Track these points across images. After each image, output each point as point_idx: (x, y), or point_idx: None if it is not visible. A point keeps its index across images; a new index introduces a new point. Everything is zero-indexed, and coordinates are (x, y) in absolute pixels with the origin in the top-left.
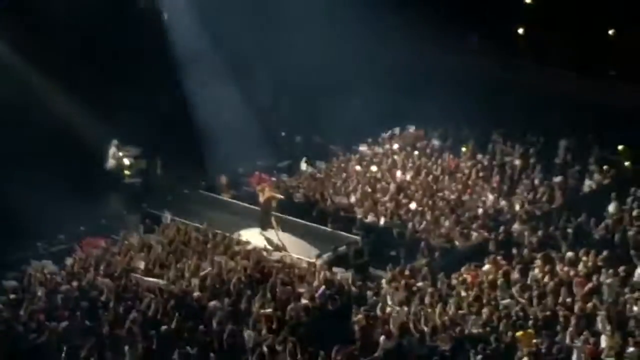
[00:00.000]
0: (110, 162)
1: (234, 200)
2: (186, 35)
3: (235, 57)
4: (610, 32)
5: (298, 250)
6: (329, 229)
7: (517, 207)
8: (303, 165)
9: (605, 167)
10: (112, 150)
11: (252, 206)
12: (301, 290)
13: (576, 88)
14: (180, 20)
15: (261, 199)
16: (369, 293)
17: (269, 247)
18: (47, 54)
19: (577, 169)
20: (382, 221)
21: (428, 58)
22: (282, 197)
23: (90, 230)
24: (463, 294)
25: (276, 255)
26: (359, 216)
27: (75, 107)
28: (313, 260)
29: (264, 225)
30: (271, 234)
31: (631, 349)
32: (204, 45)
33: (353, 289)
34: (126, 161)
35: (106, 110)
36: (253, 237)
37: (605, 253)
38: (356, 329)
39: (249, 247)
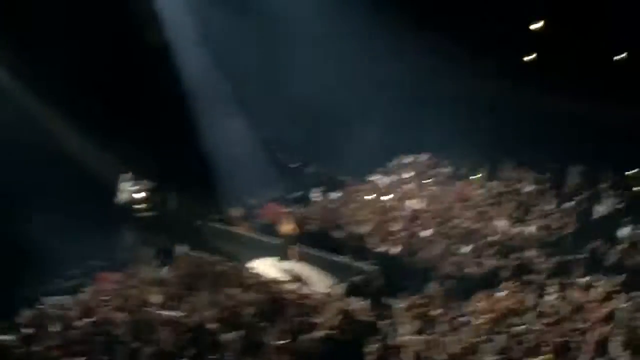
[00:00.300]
0: (122, 196)
1: (247, 233)
2: (195, 67)
3: (244, 87)
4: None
5: (313, 281)
6: (342, 259)
7: (530, 233)
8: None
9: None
10: (124, 183)
11: (264, 238)
12: (316, 320)
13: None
14: (189, 52)
15: (282, 229)
16: (383, 322)
17: (285, 278)
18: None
19: (589, 194)
20: (395, 250)
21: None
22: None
23: (104, 265)
24: (478, 321)
25: (292, 286)
26: (372, 246)
27: (86, 140)
28: (328, 290)
29: (285, 255)
30: (291, 264)
31: None
32: (213, 77)
33: (367, 318)
34: (138, 195)
35: (119, 143)
36: (268, 267)
37: (619, 278)
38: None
39: (263, 278)
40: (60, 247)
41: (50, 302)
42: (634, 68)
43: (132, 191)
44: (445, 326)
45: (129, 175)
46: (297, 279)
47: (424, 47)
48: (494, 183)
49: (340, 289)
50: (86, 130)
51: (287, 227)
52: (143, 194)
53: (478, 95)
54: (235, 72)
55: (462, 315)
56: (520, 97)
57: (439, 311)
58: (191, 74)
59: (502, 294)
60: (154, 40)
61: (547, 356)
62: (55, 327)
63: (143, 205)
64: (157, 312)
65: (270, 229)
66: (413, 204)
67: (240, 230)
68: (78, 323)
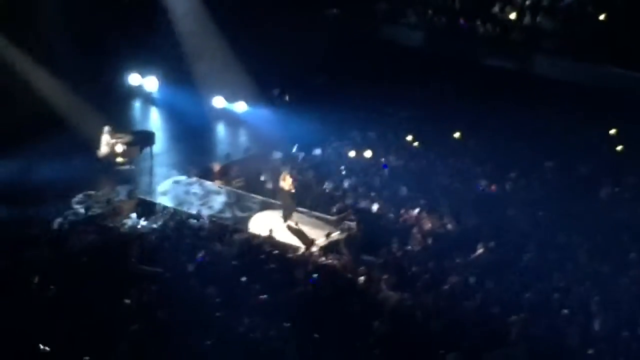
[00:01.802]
0: (103, 149)
1: (227, 187)
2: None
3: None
4: None
5: (296, 237)
6: (324, 216)
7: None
8: None
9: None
10: (105, 136)
11: (247, 193)
12: (296, 276)
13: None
14: None
15: (284, 187)
16: (361, 279)
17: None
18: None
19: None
20: (375, 207)
21: None
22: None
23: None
24: (455, 278)
25: (275, 240)
26: (352, 202)
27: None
28: (307, 246)
29: (286, 215)
30: (294, 225)
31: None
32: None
33: (347, 275)
34: (119, 148)
35: (100, 95)
36: (264, 223)
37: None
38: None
39: (246, 234)
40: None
41: None
42: None
43: (112, 144)
44: (423, 282)
45: (110, 128)
46: (307, 239)
47: None
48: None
49: (320, 244)
50: (64, 80)
51: (287, 184)
52: (122, 147)
53: None
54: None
55: (441, 272)
56: None
57: (418, 267)
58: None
59: (480, 251)
60: None
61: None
62: None
63: (121, 159)
64: (137, 265)
65: (252, 185)
66: (394, 161)
67: (218, 185)
68: None
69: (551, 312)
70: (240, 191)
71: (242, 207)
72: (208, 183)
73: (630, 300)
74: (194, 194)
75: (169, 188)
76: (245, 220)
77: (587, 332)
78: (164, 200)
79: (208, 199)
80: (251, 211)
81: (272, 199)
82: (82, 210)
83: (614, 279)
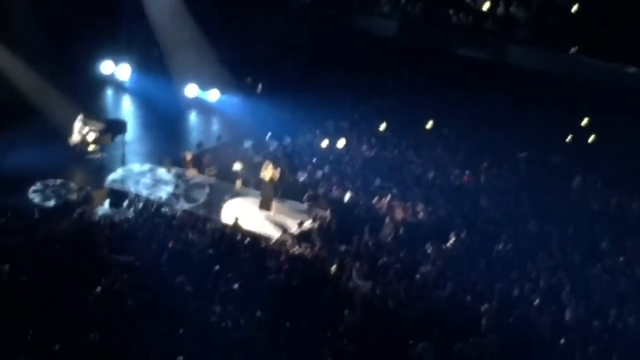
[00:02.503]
0: (75, 137)
1: (200, 176)
2: None
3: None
4: None
5: (269, 226)
6: (295, 204)
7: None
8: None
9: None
10: (77, 124)
11: (220, 180)
12: (268, 265)
13: None
14: None
15: (265, 177)
16: (333, 268)
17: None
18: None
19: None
20: (347, 196)
21: None
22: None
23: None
24: (427, 268)
25: (247, 229)
26: (325, 191)
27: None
28: (280, 235)
29: (264, 205)
30: (268, 214)
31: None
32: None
33: (318, 264)
34: (91, 136)
35: (72, 83)
36: (243, 213)
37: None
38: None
39: (219, 223)
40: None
41: None
42: None
43: (85, 132)
44: (395, 272)
45: (82, 116)
46: (281, 227)
47: None
48: (447, 130)
49: (295, 233)
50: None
51: (269, 174)
52: (94, 136)
53: None
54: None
55: (413, 262)
56: None
57: (390, 257)
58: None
59: (452, 240)
60: None
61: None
62: None
63: (95, 147)
64: (109, 254)
65: (224, 174)
66: (366, 151)
67: (191, 173)
68: None
69: (523, 301)
70: (213, 179)
71: (189, 197)
72: (160, 171)
73: (601, 290)
74: (143, 183)
75: (118, 177)
76: (213, 208)
77: (559, 321)
78: (118, 187)
79: (154, 189)
80: (196, 201)
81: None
82: (36, 200)
83: (586, 269)
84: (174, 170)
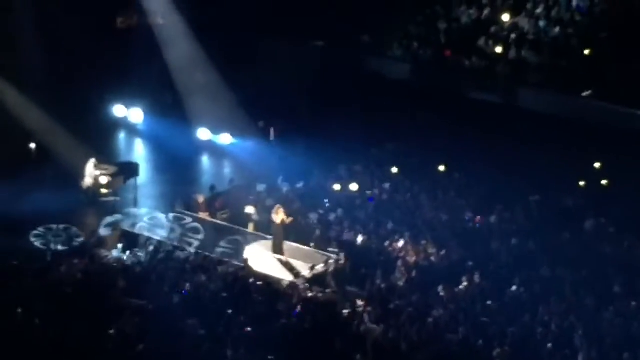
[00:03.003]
0: (87, 180)
1: (212, 219)
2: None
3: None
4: None
5: (281, 270)
6: (308, 248)
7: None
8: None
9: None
10: (89, 167)
11: (229, 225)
12: (280, 308)
13: None
14: None
15: (276, 220)
16: (345, 312)
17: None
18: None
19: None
20: (360, 239)
21: None
22: (292, 219)
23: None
24: (440, 311)
25: (260, 273)
26: (337, 235)
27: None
28: (292, 279)
29: (276, 249)
30: (281, 258)
31: None
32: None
33: (331, 307)
34: (103, 179)
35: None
36: (256, 256)
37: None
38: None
39: (231, 267)
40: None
41: None
42: None
43: (96, 175)
44: (407, 316)
45: (94, 160)
46: (294, 271)
47: None
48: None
49: (307, 277)
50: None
51: (280, 218)
52: (106, 179)
53: None
54: None
55: (425, 305)
56: None
57: (402, 301)
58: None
59: (465, 284)
60: None
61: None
62: None
63: (107, 190)
64: (121, 297)
65: (237, 217)
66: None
67: (203, 216)
68: None
69: (535, 346)
70: (225, 223)
71: (182, 241)
72: (160, 216)
73: (614, 334)
74: (140, 227)
75: (114, 221)
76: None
77: None
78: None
79: (150, 233)
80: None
81: (258, 231)
82: (38, 244)
83: (598, 313)
84: (172, 214)
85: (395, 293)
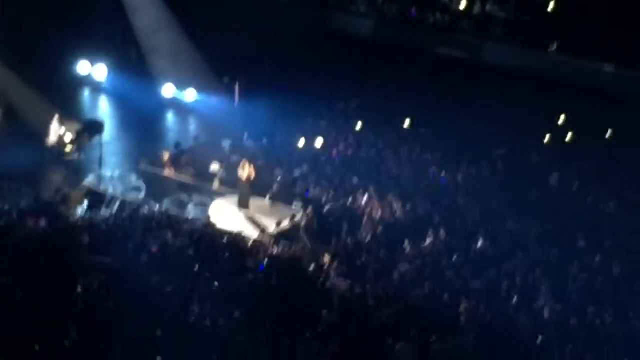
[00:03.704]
0: (52, 138)
1: (177, 176)
2: None
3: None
4: None
5: (247, 226)
6: (274, 204)
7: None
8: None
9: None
10: (54, 125)
11: (194, 182)
12: (247, 264)
13: None
14: None
15: (242, 176)
16: (312, 267)
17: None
18: None
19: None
20: (325, 195)
21: None
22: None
23: (31, 209)
24: (406, 267)
25: (226, 229)
26: (303, 190)
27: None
28: (258, 235)
29: (242, 204)
30: (247, 213)
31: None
32: None
33: (297, 263)
34: (68, 137)
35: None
36: (222, 213)
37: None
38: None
39: (198, 223)
40: None
41: None
42: None
43: (60, 133)
44: (373, 272)
45: (58, 117)
46: (260, 227)
47: None
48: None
49: (273, 233)
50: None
51: (246, 173)
52: (71, 136)
53: None
54: None
55: (391, 261)
56: None
57: (368, 256)
58: None
59: (430, 239)
60: None
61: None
62: None
63: (72, 147)
64: (86, 255)
65: (202, 174)
66: (344, 150)
67: (168, 174)
68: None
69: (501, 299)
70: (190, 180)
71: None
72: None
73: (579, 288)
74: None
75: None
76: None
77: (537, 320)
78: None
79: None
80: None
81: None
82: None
83: (563, 267)
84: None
85: (361, 249)
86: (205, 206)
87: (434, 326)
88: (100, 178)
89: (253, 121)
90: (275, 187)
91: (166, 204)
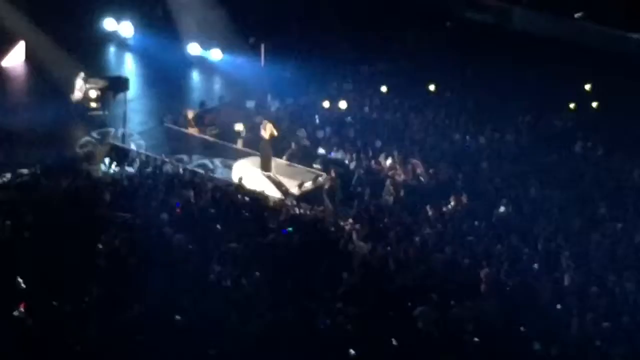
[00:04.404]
0: (76, 94)
1: (200, 135)
2: None
3: None
4: None
5: (270, 187)
6: (296, 166)
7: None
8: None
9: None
10: (79, 81)
11: (219, 141)
12: (269, 225)
13: None
14: None
15: (265, 136)
16: (333, 229)
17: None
18: None
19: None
20: (347, 157)
21: None
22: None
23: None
24: (427, 230)
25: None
26: (325, 153)
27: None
28: (280, 196)
29: (265, 166)
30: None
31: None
32: None
33: (319, 225)
34: (92, 93)
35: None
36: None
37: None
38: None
39: (221, 182)
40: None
41: None
42: None
43: (86, 89)
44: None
45: (83, 73)
46: (283, 188)
47: None
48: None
49: (295, 194)
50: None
51: (268, 134)
52: (95, 93)
53: None
54: None
55: (413, 224)
56: None
57: (389, 219)
58: None
59: (452, 204)
60: None
61: None
62: None
63: (97, 104)
64: (109, 211)
65: (226, 134)
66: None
67: (192, 132)
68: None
69: (522, 265)
70: (214, 139)
71: None
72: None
73: (600, 256)
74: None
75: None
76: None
77: (557, 286)
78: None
79: None
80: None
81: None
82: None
83: (585, 234)
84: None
85: (383, 212)
86: (228, 166)
87: (454, 290)
88: (124, 135)
89: (278, 82)
90: (293, 147)
91: (189, 162)
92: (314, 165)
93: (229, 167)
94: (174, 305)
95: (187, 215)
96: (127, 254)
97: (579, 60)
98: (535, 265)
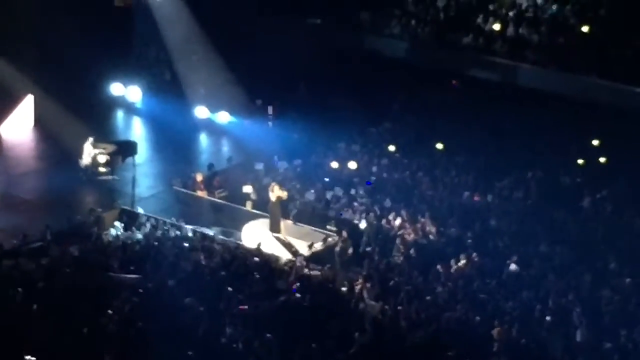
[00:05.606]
0: (85, 159)
1: (209, 198)
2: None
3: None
4: None
5: (279, 248)
6: (306, 227)
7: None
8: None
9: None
10: (87, 146)
11: (227, 203)
12: (279, 286)
13: None
14: None
15: (272, 198)
16: (344, 289)
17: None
18: None
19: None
20: (357, 217)
21: None
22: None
23: (65, 228)
24: (438, 289)
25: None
26: (335, 213)
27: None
28: (290, 257)
29: (274, 227)
30: (278, 236)
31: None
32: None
33: (329, 285)
34: (101, 158)
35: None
36: (254, 235)
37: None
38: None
39: (230, 245)
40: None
41: None
42: None
43: (95, 154)
44: (406, 294)
45: (92, 138)
46: (292, 250)
47: None
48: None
49: (306, 255)
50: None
51: (275, 195)
52: (104, 158)
53: None
54: None
55: (424, 283)
56: None
57: (400, 278)
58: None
59: (463, 262)
60: None
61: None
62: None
63: (105, 169)
64: (119, 276)
65: (235, 196)
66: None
67: (201, 195)
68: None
69: (534, 322)
70: (223, 202)
71: None
72: None
73: (612, 311)
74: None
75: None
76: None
77: (570, 342)
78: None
79: None
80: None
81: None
82: None
83: (596, 290)
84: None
85: (393, 271)
86: (237, 228)
87: (467, 349)
88: (133, 199)
89: (286, 143)
90: (298, 208)
91: (199, 225)
92: (327, 227)
93: (238, 229)
94: None
95: (197, 278)
96: (138, 319)
97: (586, 115)
98: (547, 322)
